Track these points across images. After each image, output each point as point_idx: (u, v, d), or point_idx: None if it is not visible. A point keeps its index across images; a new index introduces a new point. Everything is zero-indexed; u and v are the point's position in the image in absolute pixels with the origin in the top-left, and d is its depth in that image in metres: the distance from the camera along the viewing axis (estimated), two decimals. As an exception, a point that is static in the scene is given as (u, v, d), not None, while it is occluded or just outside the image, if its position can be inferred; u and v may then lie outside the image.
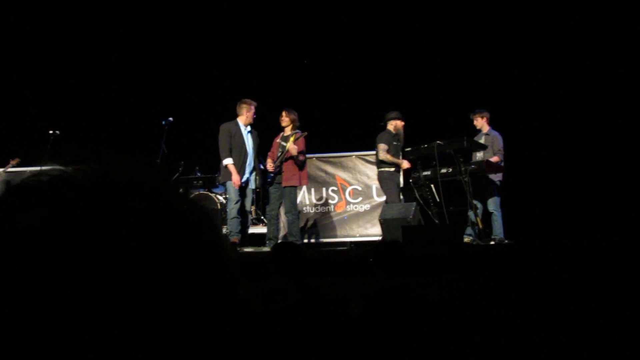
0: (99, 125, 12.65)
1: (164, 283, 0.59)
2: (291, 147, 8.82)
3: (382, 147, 9.56)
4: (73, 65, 12.75)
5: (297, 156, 8.91)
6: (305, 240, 10.53)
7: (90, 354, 0.55)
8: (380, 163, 9.65)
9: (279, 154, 9.09)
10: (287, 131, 9.17)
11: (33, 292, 0.56)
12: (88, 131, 12.51)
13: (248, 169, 9.02)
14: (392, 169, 9.63)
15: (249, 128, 9.10)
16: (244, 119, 9.06)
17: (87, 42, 12.74)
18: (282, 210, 9.42)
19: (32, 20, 12.58)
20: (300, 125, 9.18)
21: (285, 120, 9.15)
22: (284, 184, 8.98)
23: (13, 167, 10.79)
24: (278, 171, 9.06)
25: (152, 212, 0.62)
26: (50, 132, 10.47)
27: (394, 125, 9.73)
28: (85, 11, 12.72)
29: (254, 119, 9.13)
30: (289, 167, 8.97)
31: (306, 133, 9.02)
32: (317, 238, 10.84)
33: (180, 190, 0.68)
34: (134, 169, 0.67)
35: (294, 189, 9.11)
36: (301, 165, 9.04)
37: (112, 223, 0.60)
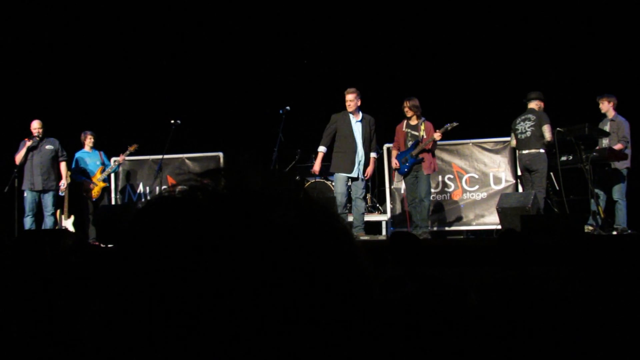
0: (219, 115, 13.05)
1: (308, 288, 0.62)
2: (437, 136, 8.84)
3: (550, 127, 9.08)
4: (195, 56, 13.19)
5: (434, 145, 9.02)
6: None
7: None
8: (544, 145, 9.13)
9: (411, 143, 9.08)
10: (414, 120, 9.14)
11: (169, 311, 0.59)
12: (209, 121, 12.93)
13: (357, 158, 9.11)
14: (546, 151, 9.20)
15: (359, 117, 9.16)
16: (347, 107, 9.14)
17: (206, 34, 13.15)
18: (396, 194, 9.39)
19: (160, 14, 13.09)
20: (421, 113, 9.13)
21: (407, 110, 9.10)
22: (425, 172, 8.94)
23: (131, 153, 10.89)
24: (416, 161, 8.99)
25: (292, 223, 0.64)
26: (172, 121, 10.66)
27: (538, 105, 9.39)
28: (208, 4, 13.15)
29: (358, 106, 9.16)
30: (427, 156, 9.00)
31: (456, 124, 8.88)
32: (434, 226, 10.77)
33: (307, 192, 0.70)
34: (268, 179, 0.69)
35: (430, 176, 9.13)
36: (434, 153, 9.15)
37: (257, 232, 0.62)
